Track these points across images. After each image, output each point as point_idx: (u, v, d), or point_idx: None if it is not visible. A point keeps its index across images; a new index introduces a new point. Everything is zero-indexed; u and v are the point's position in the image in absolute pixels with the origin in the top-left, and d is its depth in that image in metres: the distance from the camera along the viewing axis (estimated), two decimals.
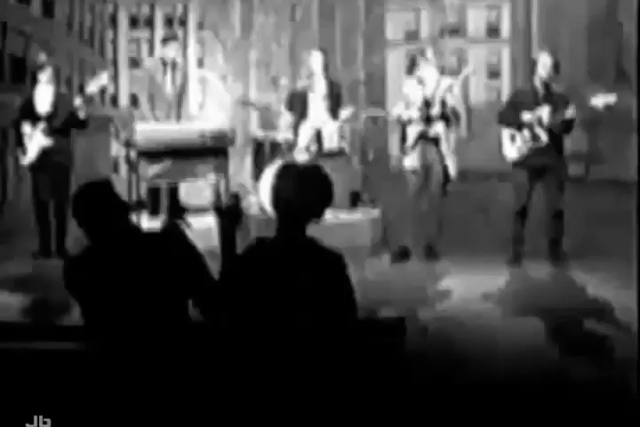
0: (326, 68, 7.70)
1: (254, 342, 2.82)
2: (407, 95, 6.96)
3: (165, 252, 2.99)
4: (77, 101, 7.07)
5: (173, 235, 3.07)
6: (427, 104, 6.82)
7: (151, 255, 2.98)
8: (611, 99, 6.29)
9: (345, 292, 2.87)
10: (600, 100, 6.29)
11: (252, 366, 2.82)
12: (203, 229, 7.38)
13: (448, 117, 6.84)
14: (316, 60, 7.63)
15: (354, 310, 2.89)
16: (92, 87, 7.13)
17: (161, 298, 2.94)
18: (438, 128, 6.84)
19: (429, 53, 6.96)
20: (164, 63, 7.95)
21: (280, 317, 2.80)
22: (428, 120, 6.82)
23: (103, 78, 7.18)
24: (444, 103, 6.77)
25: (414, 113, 6.84)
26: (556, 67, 6.58)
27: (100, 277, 2.95)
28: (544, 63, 6.57)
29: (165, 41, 8.03)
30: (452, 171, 6.91)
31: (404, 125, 6.94)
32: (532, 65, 6.69)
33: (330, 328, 2.81)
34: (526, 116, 6.55)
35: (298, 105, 7.72)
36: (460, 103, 6.94)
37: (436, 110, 6.77)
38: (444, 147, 6.86)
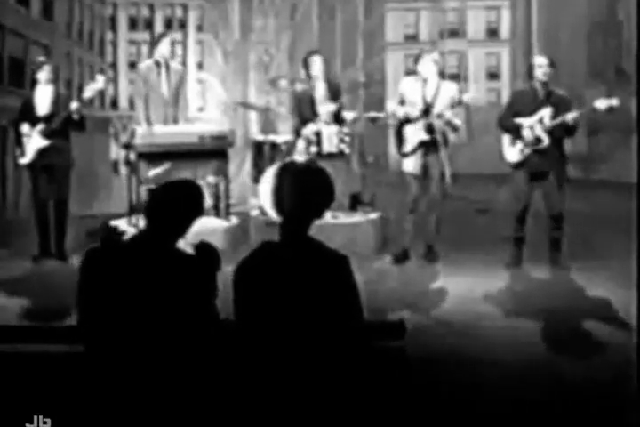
0: (326, 70, 7.69)
1: (265, 343, 2.81)
2: (402, 93, 6.97)
3: (190, 277, 2.95)
4: (74, 105, 7.07)
5: (205, 263, 3.03)
6: (426, 110, 6.82)
7: (176, 275, 2.95)
8: (614, 102, 6.29)
9: (351, 293, 2.87)
10: (603, 103, 6.29)
11: (259, 364, 2.81)
12: (202, 231, 7.47)
13: (445, 131, 6.87)
14: (316, 64, 7.61)
15: (359, 311, 2.89)
16: (89, 92, 7.13)
17: (167, 313, 2.92)
18: (437, 133, 6.86)
19: (436, 55, 6.96)
20: (158, 64, 7.93)
21: (291, 318, 2.79)
22: (428, 126, 6.82)
23: (99, 82, 7.19)
24: (449, 122, 6.80)
25: (412, 112, 6.83)
26: (551, 64, 6.58)
27: (121, 276, 2.92)
28: (540, 64, 6.58)
29: (157, 41, 8.04)
30: (448, 173, 6.91)
31: (399, 126, 6.95)
32: (528, 69, 6.70)
33: (336, 329, 2.81)
34: (526, 123, 6.53)
35: (303, 107, 7.69)
36: (461, 119, 6.95)
37: (437, 121, 6.78)
38: (442, 150, 6.85)
